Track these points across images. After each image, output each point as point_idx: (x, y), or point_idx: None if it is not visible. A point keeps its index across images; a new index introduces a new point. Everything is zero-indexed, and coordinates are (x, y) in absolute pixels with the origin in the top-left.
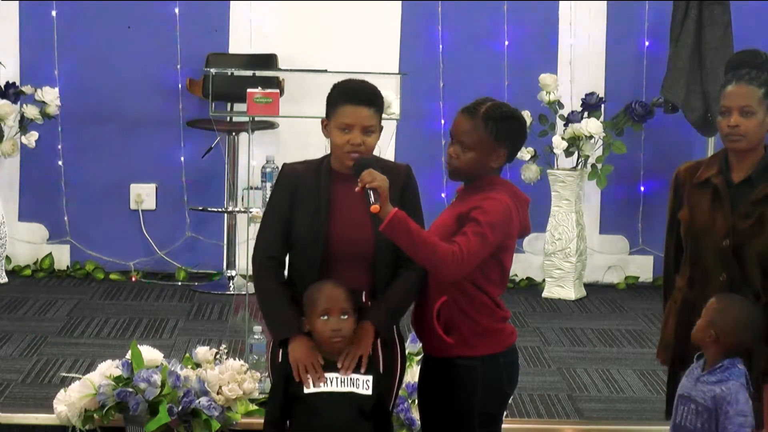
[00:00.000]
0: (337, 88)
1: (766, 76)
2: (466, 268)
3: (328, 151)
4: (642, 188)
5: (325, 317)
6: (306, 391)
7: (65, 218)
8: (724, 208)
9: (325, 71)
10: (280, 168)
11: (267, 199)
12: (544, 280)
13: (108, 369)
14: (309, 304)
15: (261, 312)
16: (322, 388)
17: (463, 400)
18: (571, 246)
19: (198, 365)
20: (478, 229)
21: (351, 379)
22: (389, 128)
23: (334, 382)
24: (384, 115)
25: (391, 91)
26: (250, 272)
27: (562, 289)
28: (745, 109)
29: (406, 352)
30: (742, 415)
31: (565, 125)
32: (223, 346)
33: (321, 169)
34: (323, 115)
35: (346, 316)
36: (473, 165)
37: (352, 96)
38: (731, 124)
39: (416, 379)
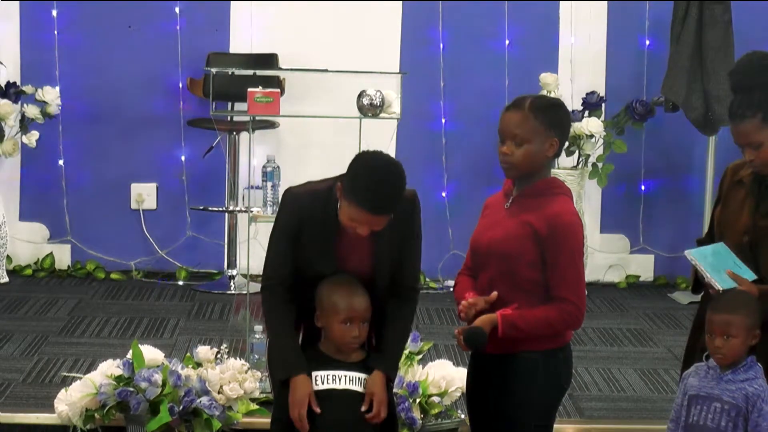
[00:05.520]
0: (359, 179)
1: (757, 97)
2: (584, 309)
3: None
4: (643, 187)
5: (347, 324)
6: (314, 388)
7: (66, 218)
8: (749, 206)
9: (326, 70)
10: (278, 166)
11: (274, 223)
12: None
13: (109, 368)
14: (330, 306)
15: (268, 342)
16: (331, 385)
17: (524, 392)
18: None
19: (199, 365)
20: (572, 263)
21: (359, 378)
22: (390, 127)
23: (342, 380)
24: (384, 114)
25: (391, 90)
26: (251, 272)
27: None
28: (751, 144)
29: (408, 351)
30: None
31: None
32: (224, 345)
33: (328, 204)
34: (324, 114)
35: (365, 323)
36: (529, 158)
37: (370, 205)
38: (747, 159)
39: (417, 378)
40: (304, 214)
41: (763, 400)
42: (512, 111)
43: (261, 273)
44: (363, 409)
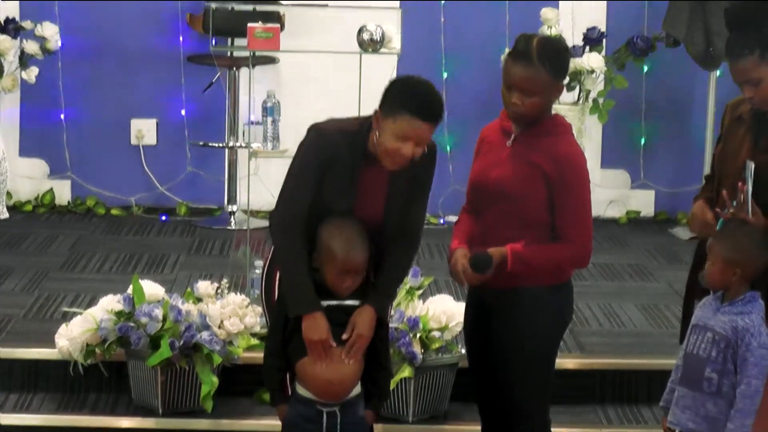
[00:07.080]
0: (403, 90)
1: (754, 34)
2: (591, 248)
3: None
4: (643, 123)
5: (341, 274)
6: None
7: (66, 154)
8: (749, 141)
9: (326, 5)
10: (278, 102)
11: (298, 158)
12: None
13: (109, 303)
14: (327, 253)
15: (280, 271)
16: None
17: (530, 324)
18: None
19: (199, 300)
20: (581, 204)
21: (353, 305)
22: (390, 63)
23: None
24: (385, 50)
25: (392, 26)
26: (251, 208)
27: None
28: (750, 81)
29: (408, 286)
30: (764, 347)
31: None
32: (225, 280)
33: (357, 144)
34: (324, 49)
35: (360, 275)
36: (539, 108)
37: (421, 110)
38: (746, 96)
39: (417, 312)
40: (334, 151)
41: (752, 334)
42: (520, 64)
43: (260, 209)
44: (343, 337)
